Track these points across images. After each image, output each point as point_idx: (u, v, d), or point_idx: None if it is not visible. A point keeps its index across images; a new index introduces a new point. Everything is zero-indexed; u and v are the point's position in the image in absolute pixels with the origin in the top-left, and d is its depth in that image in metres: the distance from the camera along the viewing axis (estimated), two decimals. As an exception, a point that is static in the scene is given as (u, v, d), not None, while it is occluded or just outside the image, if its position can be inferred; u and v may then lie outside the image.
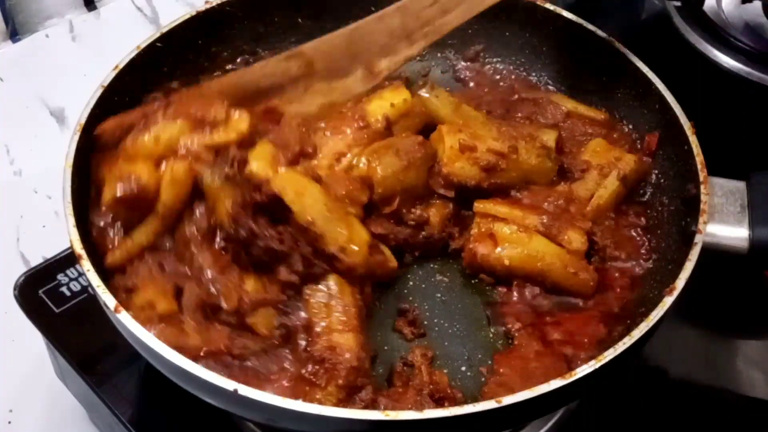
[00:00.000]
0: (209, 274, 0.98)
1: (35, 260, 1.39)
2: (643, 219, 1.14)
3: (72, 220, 0.98)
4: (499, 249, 1.07)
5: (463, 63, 1.34)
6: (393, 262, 1.08)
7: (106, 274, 0.99)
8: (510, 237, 1.07)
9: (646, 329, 0.92)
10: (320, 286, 0.99)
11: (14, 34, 1.81)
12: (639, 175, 1.16)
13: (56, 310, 1.18)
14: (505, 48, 1.33)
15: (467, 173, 1.11)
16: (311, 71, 1.14)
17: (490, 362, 1.04)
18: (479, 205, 1.10)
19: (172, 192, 1.00)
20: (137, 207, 1.00)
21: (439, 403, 0.98)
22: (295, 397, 0.91)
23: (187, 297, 0.97)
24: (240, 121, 1.03)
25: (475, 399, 0.98)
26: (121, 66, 1.14)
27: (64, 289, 1.20)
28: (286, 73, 1.13)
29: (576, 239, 1.07)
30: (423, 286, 1.12)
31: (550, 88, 1.31)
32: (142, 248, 1.00)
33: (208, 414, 1.03)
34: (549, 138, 1.16)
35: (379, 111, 1.14)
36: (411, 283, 1.12)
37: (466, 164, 1.11)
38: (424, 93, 1.20)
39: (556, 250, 1.07)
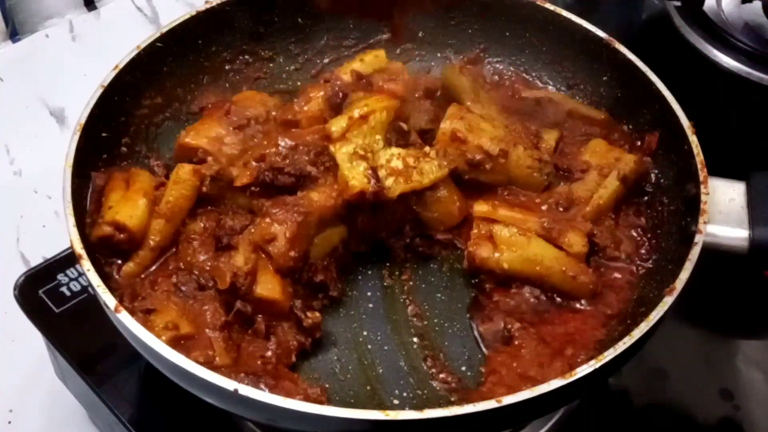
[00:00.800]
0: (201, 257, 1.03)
1: (35, 260, 1.39)
2: (643, 219, 1.14)
3: (72, 220, 0.98)
4: (497, 253, 1.07)
5: (462, 63, 1.34)
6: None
7: (106, 276, 1.00)
8: (509, 240, 1.07)
9: (646, 329, 0.92)
10: None
11: (14, 34, 1.81)
12: (639, 175, 1.16)
13: (56, 310, 1.18)
14: (505, 48, 1.33)
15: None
16: None
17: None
18: (479, 209, 1.10)
19: (178, 192, 1.07)
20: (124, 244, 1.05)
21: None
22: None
23: (210, 317, 1.00)
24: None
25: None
26: (121, 66, 1.14)
27: (64, 289, 1.20)
28: None
29: (577, 242, 1.07)
30: (423, 286, 1.12)
31: (550, 88, 1.31)
32: (155, 254, 1.05)
33: (208, 414, 1.03)
34: (550, 137, 1.16)
35: (348, 67, 1.19)
36: (411, 283, 1.12)
37: (453, 151, 1.11)
38: (452, 67, 1.24)
39: (555, 253, 1.06)
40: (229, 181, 1.08)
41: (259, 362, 0.99)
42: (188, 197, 1.08)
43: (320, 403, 0.91)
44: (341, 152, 1.06)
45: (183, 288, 1.02)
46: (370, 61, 1.20)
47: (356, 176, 1.05)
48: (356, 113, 1.08)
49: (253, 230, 1.03)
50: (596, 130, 1.22)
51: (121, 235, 1.04)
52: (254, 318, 1.01)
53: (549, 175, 1.13)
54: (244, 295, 1.00)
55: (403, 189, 1.07)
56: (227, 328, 0.99)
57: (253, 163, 1.08)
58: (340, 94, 1.14)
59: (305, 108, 1.15)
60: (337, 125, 1.07)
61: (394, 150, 1.08)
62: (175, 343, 0.95)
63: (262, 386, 0.94)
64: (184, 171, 1.08)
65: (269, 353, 1.00)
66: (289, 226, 1.02)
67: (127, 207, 1.05)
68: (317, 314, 1.03)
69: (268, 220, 1.03)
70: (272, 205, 1.04)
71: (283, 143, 1.09)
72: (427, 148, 1.10)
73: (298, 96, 1.18)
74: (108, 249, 1.04)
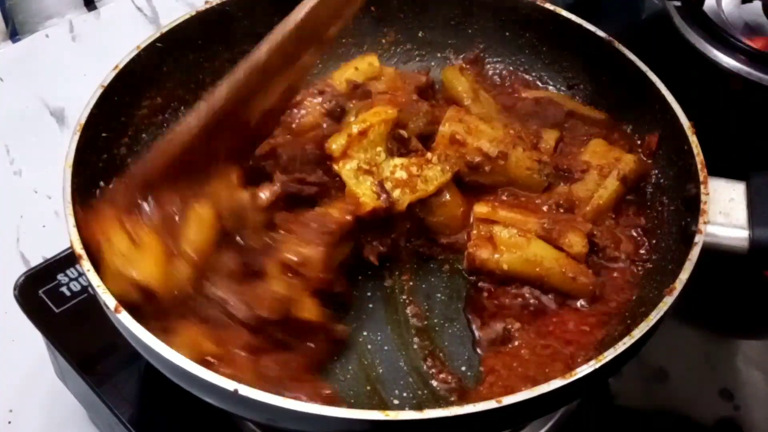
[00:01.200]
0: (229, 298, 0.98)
1: (35, 260, 1.39)
2: (643, 219, 1.14)
3: (72, 220, 0.98)
4: (497, 254, 1.07)
5: (462, 63, 1.34)
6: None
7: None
8: (509, 241, 1.07)
9: (646, 329, 0.92)
10: None
11: (14, 34, 1.81)
12: (639, 175, 1.16)
13: (56, 310, 1.18)
14: (505, 48, 1.33)
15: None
16: (268, 75, 1.06)
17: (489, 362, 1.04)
18: (479, 210, 1.10)
19: (203, 234, 0.99)
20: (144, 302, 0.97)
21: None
22: None
23: (233, 339, 0.97)
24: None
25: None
26: (121, 66, 1.14)
27: (64, 289, 1.20)
28: (249, 87, 1.03)
29: (577, 242, 1.07)
30: (423, 286, 1.12)
31: (550, 88, 1.31)
32: (179, 300, 0.97)
33: (208, 414, 1.03)
34: (550, 137, 1.16)
35: (341, 75, 1.18)
36: (411, 283, 1.12)
37: (452, 154, 1.11)
38: (452, 68, 1.25)
39: (554, 254, 1.06)
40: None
41: (281, 371, 0.97)
42: (213, 237, 1.00)
43: (335, 404, 0.91)
44: (346, 169, 1.06)
45: (209, 317, 0.97)
46: (364, 69, 1.20)
47: (366, 192, 1.05)
48: (355, 129, 1.07)
49: (282, 250, 1.00)
50: (596, 130, 1.22)
51: (143, 296, 0.95)
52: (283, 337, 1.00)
53: (549, 176, 1.13)
54: (284, 320, 0.98)
55: (410, 199, 1.07)
56: (254, 349, 0.97)
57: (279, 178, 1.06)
58: (339, 109, 1.14)
59: (302, 120, 1.14)
60: (337, 143, 1.07)
61: (397, 161, 1.09)
62: (202, 361, 0.90)
63: (285, 392, 0.93)
64: (205, 211, 1.00)
65: (294, 364, 0.99)
66: (321, 249, 1.00)
67: (146, 260, 0.95)
68: (344, 326, 1.03)
69: (296, 240, 1.01)
70: (295, 222, 1.02)
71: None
72: (429, 155, 1.10)
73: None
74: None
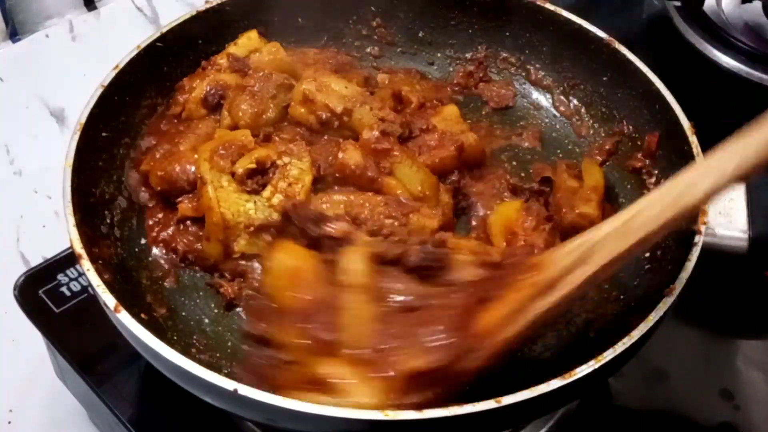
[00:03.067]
0: None
1: (35, 260, 1.39)
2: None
3: (72, 220, 0.98)
4: None
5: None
6: None
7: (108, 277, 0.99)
8: None
9: (646, 329, 0.92)
10: None
11: (14, 34, 1.81)
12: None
13: (56, 310, 1.18)
14: (505, 48, 1.33)
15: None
16: None
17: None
18: None
19: None
20: None
21: None
22: None
23: None
24: None
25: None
26: (121, 66, 1.14)
27: (64, 289, 1.20)
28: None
29: None
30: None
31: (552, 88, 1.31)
32: None
33: (208, 414, 1.03)
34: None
35: (225, 53, 1.23)
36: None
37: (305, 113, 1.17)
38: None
39: None
40: None
41: None
42: None
43: None
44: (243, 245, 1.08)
45: None
46: (243, 43, 1.25)
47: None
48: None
49: None
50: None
51: None
52: None
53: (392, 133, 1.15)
54: None
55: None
56: None
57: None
58: (217, 96, 1.18)
59: (190, 97, 1.19)
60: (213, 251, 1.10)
61: (266, 192, 1.09)
62: None
63: None
64: None
65: None
66: None
67: None
68: None
69: None
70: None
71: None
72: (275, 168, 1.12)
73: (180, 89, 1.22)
74: None
